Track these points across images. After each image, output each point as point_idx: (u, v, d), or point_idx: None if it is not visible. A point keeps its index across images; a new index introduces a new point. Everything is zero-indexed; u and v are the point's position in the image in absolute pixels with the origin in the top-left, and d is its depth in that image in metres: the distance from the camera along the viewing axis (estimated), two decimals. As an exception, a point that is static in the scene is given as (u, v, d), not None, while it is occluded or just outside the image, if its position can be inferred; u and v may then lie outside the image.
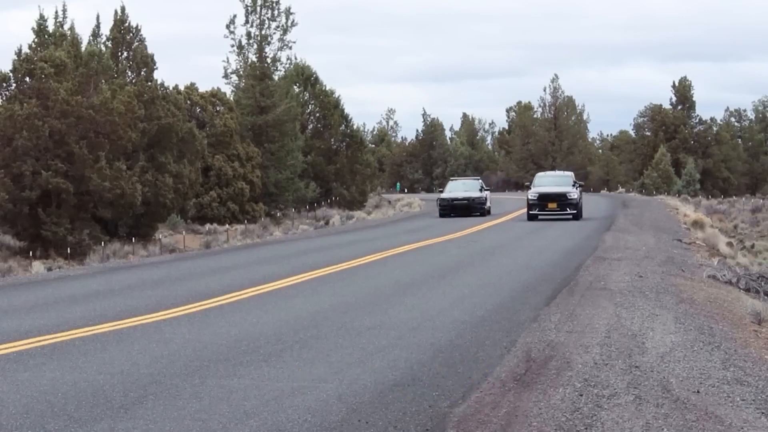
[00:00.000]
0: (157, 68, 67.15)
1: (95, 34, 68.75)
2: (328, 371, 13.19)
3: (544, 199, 54.14)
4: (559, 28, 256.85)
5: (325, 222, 67.06)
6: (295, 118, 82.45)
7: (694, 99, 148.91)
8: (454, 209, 61.86)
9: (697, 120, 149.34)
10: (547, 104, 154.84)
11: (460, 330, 16.93)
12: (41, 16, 61.64)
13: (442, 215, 61.90)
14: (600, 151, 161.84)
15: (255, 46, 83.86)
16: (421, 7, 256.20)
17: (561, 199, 54.03)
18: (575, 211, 54.01)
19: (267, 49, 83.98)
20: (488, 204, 63.34)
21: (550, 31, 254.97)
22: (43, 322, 17.82)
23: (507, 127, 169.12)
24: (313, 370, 13.28)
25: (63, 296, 22.77)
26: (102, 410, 10.86)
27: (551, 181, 56.72)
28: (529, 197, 54.82)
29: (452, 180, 68.14)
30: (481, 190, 63.20)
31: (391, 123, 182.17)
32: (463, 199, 62.16)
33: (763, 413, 11.51)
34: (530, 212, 54.58)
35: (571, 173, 59.23)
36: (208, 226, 70.33)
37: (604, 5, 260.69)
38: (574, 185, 55.57)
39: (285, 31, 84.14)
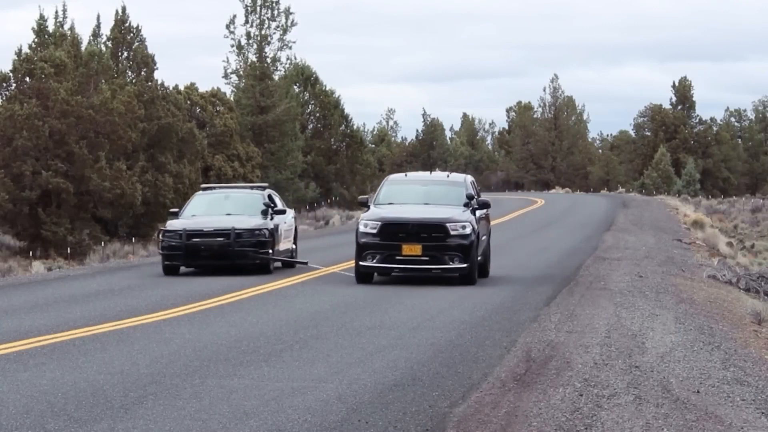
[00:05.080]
0: (157, 68, 67.11)
1: (95, 34, 68.71)
2: (328, 371, 13.19)
3: (393, 233, 24.25)
4: (557, 29, 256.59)
5: (325, 222, 67.07)
6: (295, 118, 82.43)
7: (694, 99, 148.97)
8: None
9: (697, 120, 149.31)
10: (547, 104, 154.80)
11: (460, 330, 16.93)
12: (41, 16, 61.60)
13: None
14: (600, 151, 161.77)
15: (255, 46, 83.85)
16: (419, 8, 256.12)
17: (434, 236, 24.21)
18: (466, 264, 24.03)
19: (267, 49, 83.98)
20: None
21: (548, 31, 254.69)
22: (43, 322, 17.82)
23: (507, 127, 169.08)
24: (313, 370, 13.28)
25: (63, 296, 22.76)
26: (102, 410, 10.86)
27: (420, 192, 26.21)
28: (362, 228, 24.60)
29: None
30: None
31: (391, 123, 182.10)
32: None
33: (763, 413, 11.51)
34: (361, 263, 24.54)
35: (466, 178, 26.97)
36: (208, 226, 70.17)
37: (602, 5, 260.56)
38: (468, 204, 25.22)
39: (285, 31, 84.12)
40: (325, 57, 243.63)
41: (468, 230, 23.91)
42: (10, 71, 55.63)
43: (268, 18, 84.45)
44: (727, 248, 43.59)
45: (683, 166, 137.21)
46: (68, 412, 10.71)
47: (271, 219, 28.06)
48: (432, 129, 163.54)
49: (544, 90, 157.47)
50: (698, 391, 12.38)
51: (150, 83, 63.49)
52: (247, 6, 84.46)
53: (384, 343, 15.50)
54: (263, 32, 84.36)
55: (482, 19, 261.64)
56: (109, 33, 68.28)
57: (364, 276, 24.41)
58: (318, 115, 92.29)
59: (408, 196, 25.50)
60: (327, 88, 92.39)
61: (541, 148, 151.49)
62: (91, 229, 55.12)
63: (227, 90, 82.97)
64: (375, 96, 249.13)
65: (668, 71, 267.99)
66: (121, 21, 68.64)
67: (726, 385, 12.90)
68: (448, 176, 27.19)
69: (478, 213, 24.98)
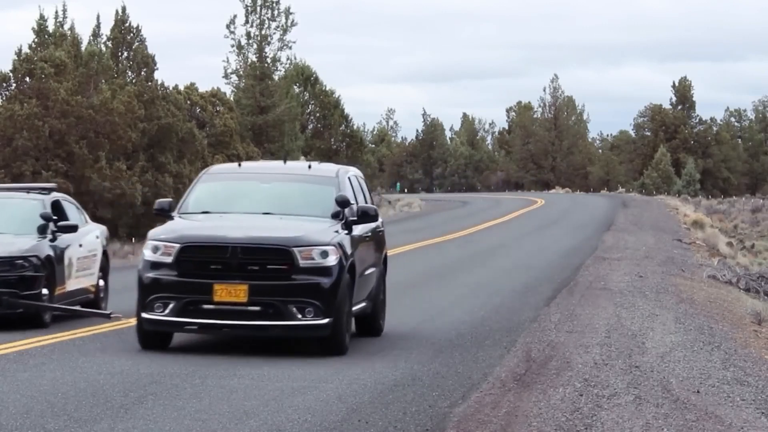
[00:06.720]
0: (157, 68, 67.13)
1: (95, 34, 68.71)
2: (328, 371, 13.19)
3: (200, 263, 14.51)
4: (557, 29, 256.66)
5: (325, 222, 67.03)
6: (295, 118, 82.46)
7: (694, 99, 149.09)
8: None
9: (697, 120, 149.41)
10: (547, 104, 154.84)
11: (460, 330, 16.93)
12: (41, 16, 61.63)
13: None
14: (600, 151, 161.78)
15: (255, 46, 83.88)
16: (419, 8, 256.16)
17: (271, 270, 14.39)
18: (325, 320, 14.26)
19: (267, 49, 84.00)
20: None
21: (548, 31, 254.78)
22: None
23: (507, 127, 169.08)
24: (313, 370, 13.28)
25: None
26: (102, 410, 10.86)
27: (260, 194, 16.19)
28: (149, 254, 14.78)
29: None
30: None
31: (390, 123, 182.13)
32: None
33: (763, 413, 11.51)
34: (145, 315, 14.60)
35: (340, 172, 16.45)
36: (208, 226, 70.24)
37: (602, 5, 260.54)
38: (339, 215, 15.23)
39: (285, 31, 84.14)
40: (325, 57, 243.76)
41: (331, 259, 14.33)
42: (10, 71, 55.66)
43: (268, 18, 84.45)
44: (727, 248, 43.57)
45: (683, 166, 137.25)
46: (68, 412, 10.71)
47: (53, 240, 17.76)
48: (432, 129, 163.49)
49: (544, 90, 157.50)
50: (698, 391, 12.38)
51: (150, 83, 63.49)
52: (247, 6, 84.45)
53: (384, 343, 15.51)
54: (263, 32, 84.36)
55: (482, 19, 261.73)
56: (109, 33, 68.28)
57: (151, 337, 14.73)
58: (318, 115, 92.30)
59: (237, 201, 15.91)
60: (327, 88, 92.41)
61: (541, 148, 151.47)
62: (91, 229, 55.11)
63: (227, 90, 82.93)
64: (375, 96, 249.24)
65: (668, 71, 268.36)
66: (121, 21, 68.63)
67: (726, 385, 12.90)
68: (309, 168, 16.44)
69: (356, 230, 15.29)
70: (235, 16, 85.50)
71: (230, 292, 14.21)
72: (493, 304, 20.32)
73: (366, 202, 16.43)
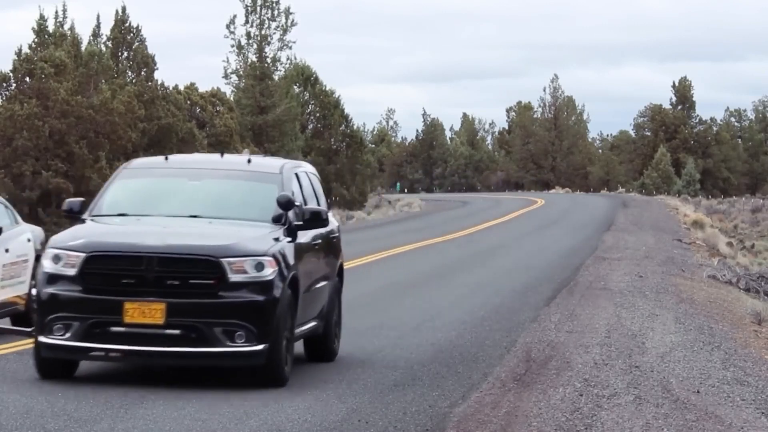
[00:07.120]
0: (157, 68, 67.13)
1: (95, 34, 68.70)
2: (328, 371, 13.19)
3: (109, 276, 12.06)
4: (557, 29, 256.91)
5: (325, 222, 66.98)
6: (295, 118, 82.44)
7: (694, 99, 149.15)
8: None
9: (697, 120, 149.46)
10: (547, 104, 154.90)
11: (460, 330, 16.93)
12: (41, 16, 61.58)
13: None
14: (600, 151, 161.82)
15: (255, 46, 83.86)
16: (419, 8, 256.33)
17: (194, 285, 12.01)
18: (260, 346, 11.89)
19: (267, 49, 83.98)
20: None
21: (548, 31, 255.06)
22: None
23: (507, 127, 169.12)
24: (313, 370, 13.28)
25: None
26: (102, 410, 10.85)
27: (187, 192, 13.61)
28: (48, 265, 12.20)
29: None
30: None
31: (390, 123, 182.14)
32: None
33: (763, 413, 11.51)
34: (43, 339, 12.04)
35: (284, 168, 13.81)
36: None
37: (602, 5, 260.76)
38: (281, 219, 12.83)
39: (285, 31, 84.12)
40: (325, 57, 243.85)
41: (268, 272, 12.01)
42: (10, 71, 55.62)
43: (268, 18, 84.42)
44: (727, 248, 43.57)
45: (683, 166, 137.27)
46: (68, 412, 10.70)
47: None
48: (432, 129, 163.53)
49: (544, 90, 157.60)
50: (698, 391, 12.38)
51: (150, 83, 63.50)
52: (247, 6, 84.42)
53: (384, 343, 15.51)
54: (263, 32, 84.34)
55: (482, 19, 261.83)
56: (109, 33, 68.27)
57: (51, 366, 12.35)
58: (318, 115, 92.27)
59: (161, 201, 13.46)
60: (327, 88, 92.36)
61: (541, 148, 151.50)
62: (91, 229, 55.11)
63: (227, 90, 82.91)
64: (375, 96, 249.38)
65: (668, 71, 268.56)
66: (121, 21, 68.63)
67: (726, 385, 12.91)
68: (249, 162, 13.90)
69: (303, 236, 13.05)
70: (235, 16, 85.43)
71: (144, 312, 11.80)
72: (493, 304, 20.32)
73: (319, 204, 14.24)
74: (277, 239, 12.41)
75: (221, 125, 74.65)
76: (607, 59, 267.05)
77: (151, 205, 13.31)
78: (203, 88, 76.03)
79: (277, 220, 12.75)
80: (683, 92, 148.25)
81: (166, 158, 14.08)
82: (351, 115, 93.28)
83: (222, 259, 11.85)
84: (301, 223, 12.94)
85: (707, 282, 27.03)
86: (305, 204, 13.44)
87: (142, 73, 66.83)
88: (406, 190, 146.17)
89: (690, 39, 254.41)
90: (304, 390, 11.98)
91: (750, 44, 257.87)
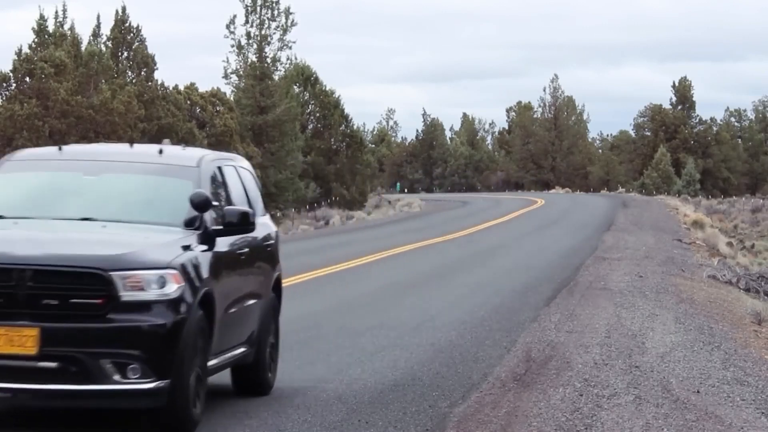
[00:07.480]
0: (157, 68, 67.15)
1: (95, 34, 68.71)
2: (328, 371, 13.19)
3: None
4: (557, 29, 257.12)
5: (325, 222, 67.08)
6: (295, 118, 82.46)
7: (694, 99, 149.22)
8: None
9: (697, 120, 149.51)
10: (547, 104, 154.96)
11: (460, 330, 16.92)
12: (41, 16, 61.59)
13: None
14: (600, 151, 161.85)
15: (255, 46, 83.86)
16: (419, 8, 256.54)
17: (75, 305, 9.25)
18: (159, 383, 9.28)
19: (267, 49, 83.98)
20: None
21: (548, 31, 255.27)
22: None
23: (507, 127, 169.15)
24: (313, 370, 13.28)
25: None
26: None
27: (82, 189, 10.89)
28: None
29: None
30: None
31: (390, 123, 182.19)
32: None
33: (763, 413, 11.52)
34: None
35: (203, 161, 11.17)
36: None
37: (602, 5, 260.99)
38: (195, 222, 10.31)
39: (285, 31, 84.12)
40: (325, 57, 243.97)
41: (171, 289, 9.48)
42: (10, 71, 55.69)
43: (268, 18, 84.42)
44: (727, 248, 43.58)
45: (683, 166, 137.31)
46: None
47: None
48: (432, 129, 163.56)
49: (544, 90, 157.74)
50: (698, 391, 12.39)
51: (150, 83, 63.54)
52: (247, 6, 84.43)
53: (384, 343, 15.50)
54: (263, 32, 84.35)
55: (482, 19, 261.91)
56: (109, 33, 68.28)
57: None
58: (318, 115, 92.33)
59: (49, 200, 10.87)
60: (327, 88, 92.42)
61: (541, 148, 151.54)
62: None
63: (227, 90, 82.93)
64: (375, 96, 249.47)
65: (668, 71, 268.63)
66: (121, 21, 68.64)
67: (726, 385, 12.91)
68: (160, 153, 11.36)
69: (222, 243, 10.60)
70: (235, 16, 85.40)
71: (12, 340, 9.12)
72: (493, 304, 20.31)
73: (249, 204, 11.60)
74: (187, 247, 9.89)
75: (221, 125, 74.68)
76: (607, 59, 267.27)
77: (35, 205, 10.69)
78: (203, 88, 76.13)
79: (189, 224, 10.26)
80: (683, 92, 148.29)
81: (60, 148, 11.46)
82: (351, 115, 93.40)
83: (112, 273, 9.23)
84: (220, 227, 10.49)
85: (707, 282, 27.04)
86: (231, 204, 11.02)
87: (142, 73, 66.85)
88: (406, 190, 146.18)
89: (690, 39, 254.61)
90: (304, 390, 11.98)
91: (750, 44, 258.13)
